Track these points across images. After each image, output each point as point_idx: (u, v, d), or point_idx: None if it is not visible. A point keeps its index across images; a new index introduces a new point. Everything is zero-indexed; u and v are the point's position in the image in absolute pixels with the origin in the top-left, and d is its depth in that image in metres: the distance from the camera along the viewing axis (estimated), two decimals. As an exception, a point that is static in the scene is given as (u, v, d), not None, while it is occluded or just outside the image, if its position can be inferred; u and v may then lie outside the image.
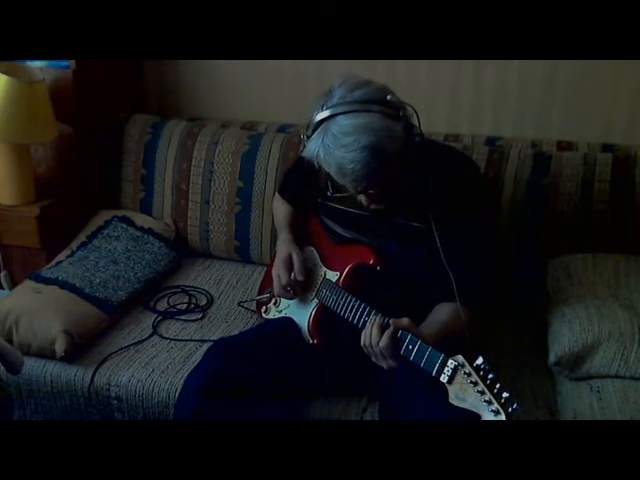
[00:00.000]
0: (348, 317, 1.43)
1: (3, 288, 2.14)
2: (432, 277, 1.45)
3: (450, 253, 1.39)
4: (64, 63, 2.04)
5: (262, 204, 2.04)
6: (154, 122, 2.22)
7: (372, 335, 1.30)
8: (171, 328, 1.81)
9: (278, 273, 1.57)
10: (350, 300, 1.45)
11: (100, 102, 2.19)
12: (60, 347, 1.63)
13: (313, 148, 1.34)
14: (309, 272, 1.58)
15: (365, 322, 1.38)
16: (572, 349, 1.50)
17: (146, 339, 1.75)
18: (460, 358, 1.17)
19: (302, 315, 1.58)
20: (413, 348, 1.25)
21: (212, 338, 1.74)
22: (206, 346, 1.71)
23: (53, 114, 2.00)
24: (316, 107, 1.37)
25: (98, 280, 1.85)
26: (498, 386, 1.12)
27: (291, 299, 1.61)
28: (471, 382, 1.14)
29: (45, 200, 2.06)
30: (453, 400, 1.17)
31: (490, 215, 1.62)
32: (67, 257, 1.96)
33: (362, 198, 1.41)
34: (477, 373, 1.14)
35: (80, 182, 2.16)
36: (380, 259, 1.48)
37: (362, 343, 1.34)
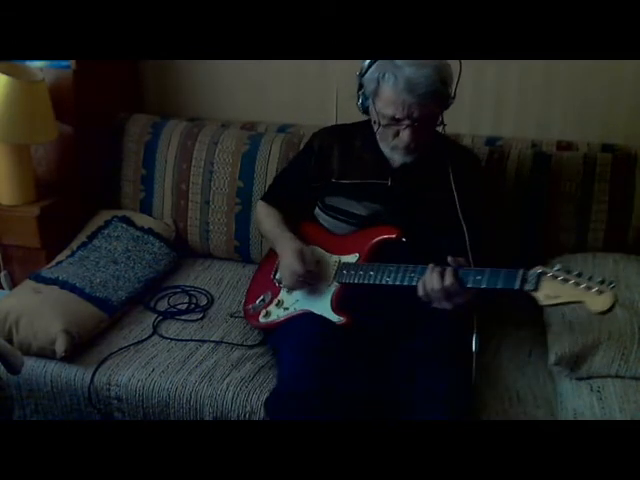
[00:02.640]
0: (386, 281, 1.49)
1: (3, 288, 2.15)
2: (447, 245, 1.52)
3: (468, 219, 1.53)
4: (64, 63, 2.04)
5: (262, 204, 2.04)
6: (154, 122, 2.22)
7: (434, 279, 1.39)
8: (171, 328, 1.80)
9: (291, 265, 1.58)
10: (384, 267, 1.51)
11: (100, 102, 2.19)
12: (60, 347, 1.63)
13: (378, 73, 1.52)
14: (318, 264, 1.62)
15: (411, 278, 1.45)
16: (572, 349, 1.49)
17: (146, 339, 1.75)
18: (540, 267, 1.30)
19: (321, 303, 1.59)
20: (482, 277, 1.37)
21: (212, 338, 1.74)
22: (206, 346, 1.71)
23: (53, 114, 2.00)
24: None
25: (98, 280, 1.85)
26: (588, 276, 1.26)
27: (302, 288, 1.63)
28: (562, 280, 1.27)
29: (45, 200, 2.06)
30: (543, 302, 1.29)
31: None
32: (67, 257, 1.96)
33: (404, 136, 1.53)
34: (563, 274, 1.27)
35: (80, 182, 2.16)
36: (402, 231, 1.56)
37: (422, 292, 1.42)
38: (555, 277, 1.28)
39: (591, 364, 1.48)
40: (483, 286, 1.37)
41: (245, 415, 1.53)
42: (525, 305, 1.83)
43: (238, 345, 1.71)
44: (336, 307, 1.57)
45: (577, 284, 1.25)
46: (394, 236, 1.57)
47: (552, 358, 1.54)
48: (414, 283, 1.45)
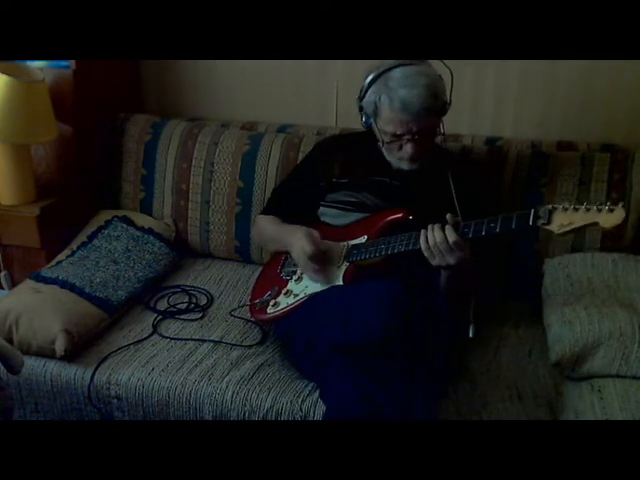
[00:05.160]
0: (399, 249, 1.55)
1: (3, 288, 2.14)
2: None
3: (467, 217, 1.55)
4: (64, 63, 2.04)
5: (262, 204, 2.04)
6: (154, 122, 2.22)
7: (436, 236, 1.46)
8: (171, 327, 1.81)
9: (302, 245, 1.63)
10: (395, 237, 1.57)
11: (100, 102, 2.19)
12: (60, 346, 1.63)
13: (374, 96, 1.62)
14: (326, 252, 1.66)
15: (413, 243, 1.52)
16: (573, 349, 1.50)
17: (146, 338, 1.75)
18: (550, 205, 1.37)
19: (331, 282, 1.62)
20: (496, 223, 1.43)
21: (212, 337, 1.74)
22: (205, 345, 1.72)
23: (53, 114, 2.00)
24: (366, 75, 1.64)
25: (98, 280, 1.85)
26: (597, 202, 1.33)
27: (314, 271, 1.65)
28: (574, 209, 1.34)
29: (45, 200, 2.06)
30: (557, 231, 1.35)
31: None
32: (67, 257, 1.96)
33: (408, 148, 1.62)
34: (573, 205, 1.35)
35: (80, 182, 2.16)
36: (408, 211, 1.63)
37: (425, 247, 1.47)
38: (566, 209, 1.35)
39: (592, 364, 1.49)
40: (497, 230, 1.42)
41: (245, 414, 1.53)
42: (524, 304, 1.85)
43: (237, 345, 1.71)
44: (349, 280, 1.60)
45: (588, 209, 1.32)
46: (401, 215, 1.63)
47: (553, 358, 1.54)
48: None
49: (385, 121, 1.62)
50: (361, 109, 1.68)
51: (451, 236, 1.45)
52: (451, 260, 1.47)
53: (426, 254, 1.49)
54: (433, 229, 1.47)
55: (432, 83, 1.58)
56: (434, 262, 1.49)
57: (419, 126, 1.59)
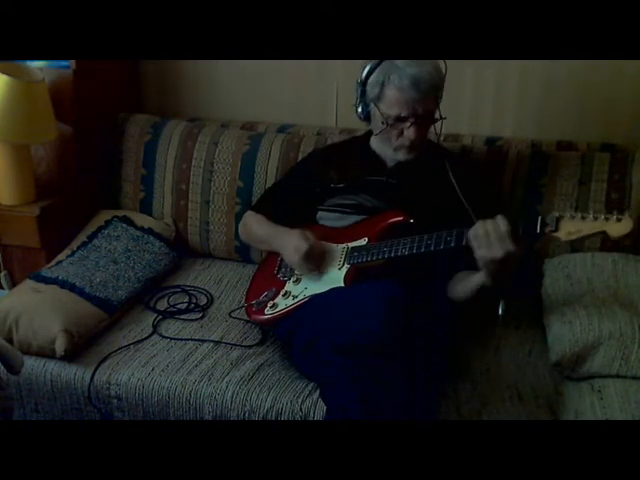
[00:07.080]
0: (402, 252, 1.53)
1: (3, 288, 2.14)
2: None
3: (473, 206, 1.58)
4: (64, 63, 2.05)
5: (262, 204, 2.04)
6: (154, 122, 2.22)
7: (491, 228, 1.40)
8: (171, 327, 1.80)
9: (295, 244, 1.63)
10: (398, 241, 1.55)
11: (100, 102, 2.19)
12: (60, 346, 1.63)
13: (382, 76, 1.61)
14: (323, 253, 1.67)
15: (428, 245, 1.49)
16: (573, 349, 1.50)
17: (146, 338, 1.75)
18: (557, 212, 1.38)
19: (332, 284, 1.61)
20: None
21: (212, 338, 1.74)
22: (205, 345, 1.72)
23: (53, 114, 2.01)
24: (363, 66, 1.66)
25: (98, 279, 1.85)
26: (604, 211, 1.36)
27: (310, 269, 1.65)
28: (581, 218, 1.35)
29: (45, 200, 2.06)
30: (565, 238, 1.36)
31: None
32: (67, 257, 1.96)
33: (409, 133, 1.62)
34: (580, 213, 1.35)
35: (80, 182, 2.16)
36: (409, 215, 1.62)
37: (485, 236, 1.40)
38: (573, 217, 1.36)
39: (592, 364, 1.49)
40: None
41: (245, 414, 1.53)
42: (524, 304, 1.85)
43: (237, 345, 1.71)
44: (350, 281, 1.60)
45: (595, 218, 1.33)
46: (401, 218, 1.63)
47: (553, 358, 1.54)
48: (431, 249, 1.49)
49: (390, 102, 1.61)
50: (363, 94, 1.67)
51: (504, 225, 1.38)
52: (503, 251, 1.39)
53: (483, 251, 1.42)
54: (490, 224, 1.40)
55: (437, 64, 1.62)
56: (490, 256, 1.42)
57: (424, 107, 1.60)
